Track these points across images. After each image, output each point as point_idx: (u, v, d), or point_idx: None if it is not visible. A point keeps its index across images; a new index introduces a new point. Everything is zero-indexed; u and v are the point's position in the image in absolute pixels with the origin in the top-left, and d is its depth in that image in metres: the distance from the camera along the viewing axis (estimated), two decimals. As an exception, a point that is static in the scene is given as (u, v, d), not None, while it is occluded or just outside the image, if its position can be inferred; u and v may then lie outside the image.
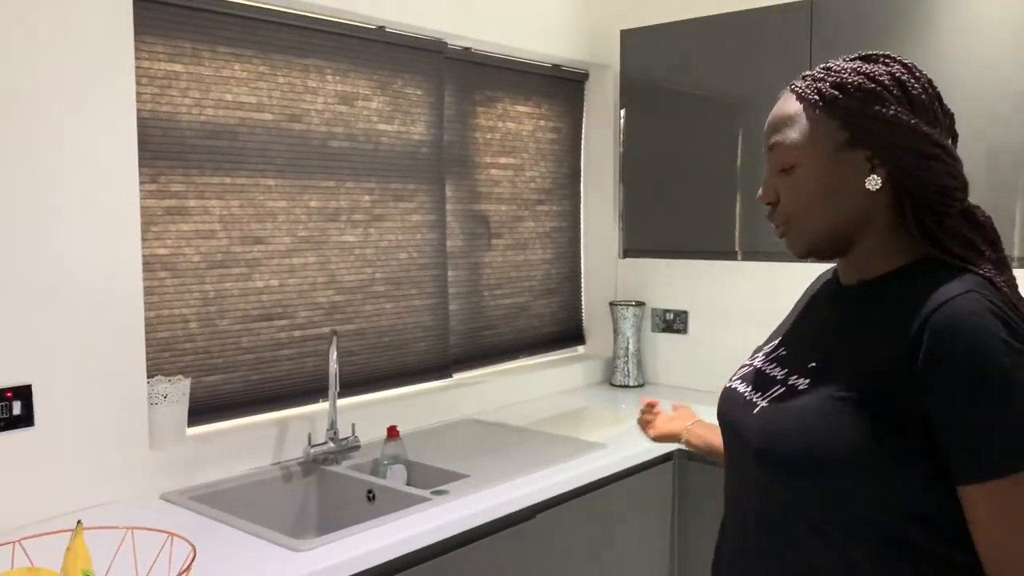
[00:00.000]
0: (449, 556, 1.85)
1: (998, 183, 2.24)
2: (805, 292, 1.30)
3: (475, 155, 2.93)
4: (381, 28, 2.55)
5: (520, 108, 3.09)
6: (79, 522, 1.31)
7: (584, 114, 3.37)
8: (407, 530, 1.77)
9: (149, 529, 1.29)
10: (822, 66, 1.10)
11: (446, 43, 2.75)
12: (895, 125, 1.02)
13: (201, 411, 2.17)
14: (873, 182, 1.04)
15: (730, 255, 2.77)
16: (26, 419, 1.80)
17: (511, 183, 3.08)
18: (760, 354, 1.22)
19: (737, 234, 2.76)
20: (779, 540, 1.07)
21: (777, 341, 1.21)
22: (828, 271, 1.25)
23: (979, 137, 2.24)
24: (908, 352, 0.96)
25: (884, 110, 1.02)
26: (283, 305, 2.37)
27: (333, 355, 2.16)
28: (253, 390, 2.30)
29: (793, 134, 1.06)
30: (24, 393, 1.80)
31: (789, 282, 2.95)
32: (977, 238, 1.05)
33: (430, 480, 2.17)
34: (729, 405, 1.19)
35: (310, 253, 2.43)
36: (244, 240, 2.27)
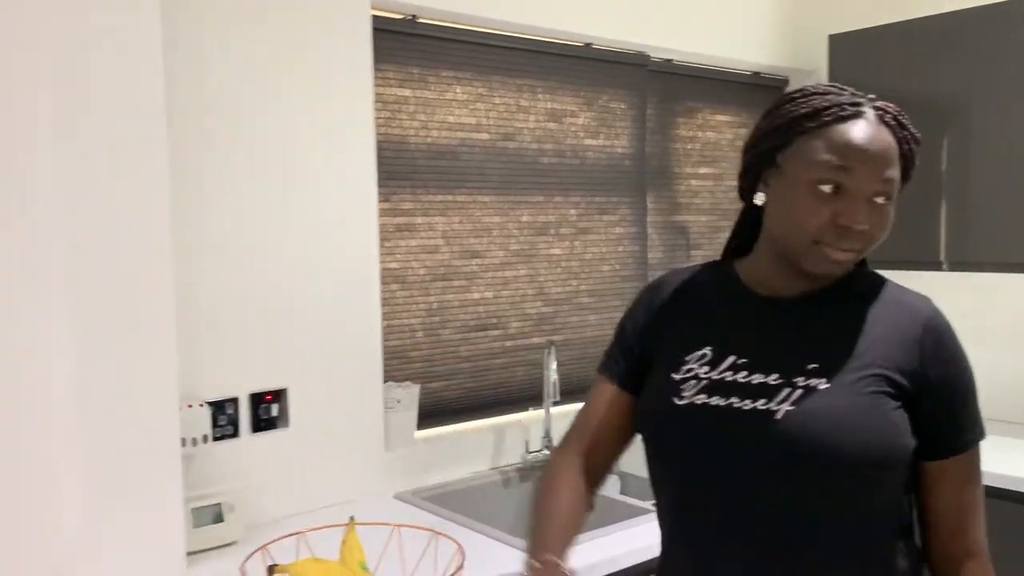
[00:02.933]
0: (673, 568, 1.86)
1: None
2: (668, 307, 1.24)
3: (675, 166, 2.94)
4: (588, 45, 2.61)
5: (720, 117, 3.07)
6: (351, 518, 1.43)
7: (783, 121, 3.29)
8: (628, 543, 1.80)
9: (416, 527, 1.38)
10: (896, 110, 1.15)
11: (649, 56, 2.78)
12: (908, 180, 1.17)
13: (426, 416, 2.30)
14: None
15: (934, 265, 2.63)
16: (282, 420, 1.97)
17: (710, 193, 3.06)
18: (698, 367, 1.16)
19: (943, 243, 2.63)
20: (803, 550, 1.08)
21: (710, 352, 1.16)
22: (676, 282, 1.26)
23: None
24: (915, 350, 1.10)
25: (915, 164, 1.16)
26: (497, 316, 2.46)
27: (552, 365, 2.23)
28: (470, 397, 2.41)
29: (896, 172, 1.11)
30: (280, 397, 1.97)
31: (999, 293, 2.78)
32: None
33: (646, 492, 2.19)
34: (713, 419, 1.11)
35: (521, 266, 2.51)
36: (463, 254, 2.39)
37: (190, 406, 1.78)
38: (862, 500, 1.08)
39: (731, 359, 1.14)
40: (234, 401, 1.89)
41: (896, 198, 1.12)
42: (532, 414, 2.45)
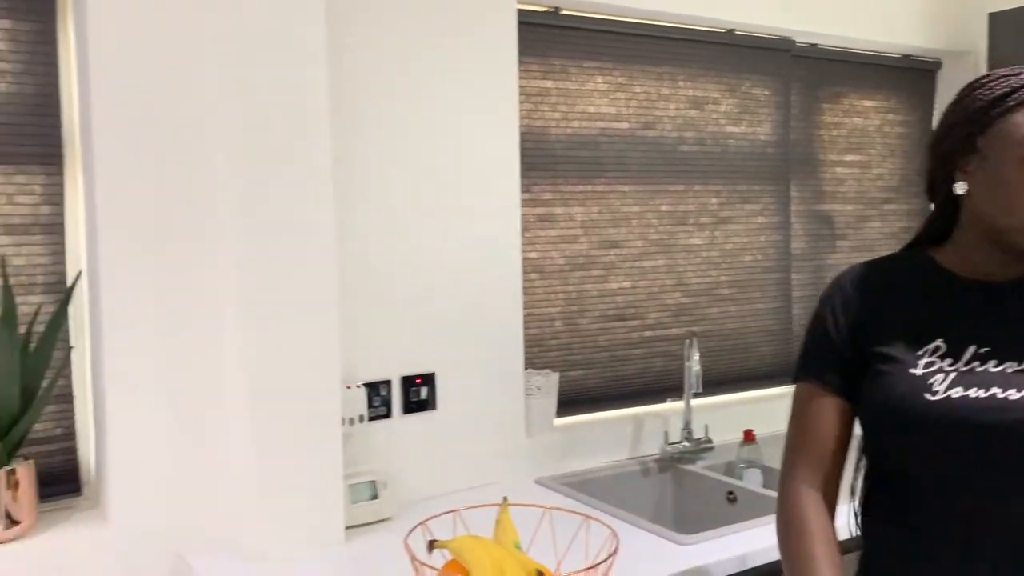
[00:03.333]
0: (822, 565, 1.82)
1: None
2: (881, 296, 1.21)
3: (819, 153, 2.84)
4: (731, 31, 2.56)
5: (867, 103, 2.95)
6: (505, 498, 1.46)
7: (935, 105, 3.13)
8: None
9: (568, 511, 1.41)
10: None
11: (794, 41, 2.70)
12: None
13: (564, 404, 2.32)
14: None
15: None
16: (430, 403, 2.04)
17: (856, 181, 2.94)
18: (937, 360, 1.14)
19: None
20: None
21: (942, 343, 1.15)
22: (874, 274, 1.23)
23: None
24: None
25: None
26: (635, 306, 2.46)
27: (694, 356, 2.21)
28: (608, 386, 2.42)
29: None
30: (429, 380, 2.03)
31: None
32: None
33: (789, 486, 2.14)
34: (972, 413, 1.09)
35: (660, 256, 2.50)
36: (602, 244, 2.39)
37: (348, 387, 1.86)
38: None
39: (971, 349, 1.14)
40: (387, 383, 1.97)
41: None
42: (671, 405, 2.43)
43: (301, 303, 1.67)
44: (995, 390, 1.09)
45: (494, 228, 2.10)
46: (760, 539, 1.74)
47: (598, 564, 1.25)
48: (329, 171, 1.69)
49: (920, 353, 1.15)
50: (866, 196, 2.97)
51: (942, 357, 1.14)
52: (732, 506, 2.10)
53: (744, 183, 2.64)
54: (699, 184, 2.55)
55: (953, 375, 1.12)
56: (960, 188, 1.16)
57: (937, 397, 1.11)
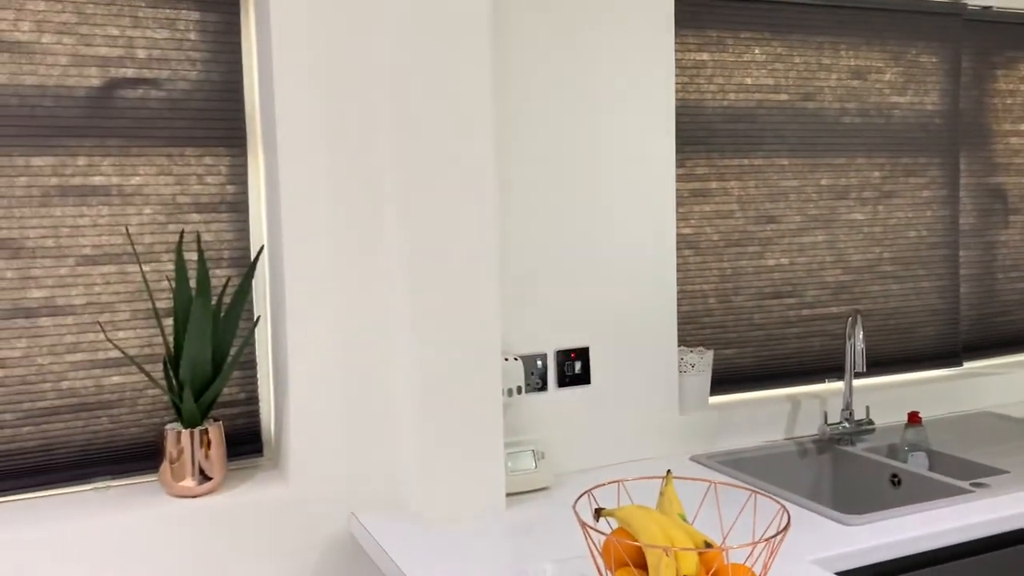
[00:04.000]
0: (993, 555, 1.73)
1: None
2: None
3: (992, 123, 2.67)
4: (897, -4, 2.44)
5: (1047, 67, 2.75)
6: (668, 471, 1.47)
7: None
8: (951, 520, 1.69)
9: (734, 485, 1.40)
10: None
11: (965, 5, 2.54)
12: None
13: (718, 382, 2.29)
14: None
15: None
16: (584, 377, 2.06)
17: (1034, 153, 2.75)
18: None
19: None
20: None
21: None
22: None
23: None
24: None
25: None
26: (792, 283, 2.39)
27: (858, 334, 2.14)
28: (764, 365, 2.37)
29: None
30: (583, 355, 2.05)
31: None
32: None
33: (958, 471, 2.05)
34: None
35: (819, 231, 2.42)
36: (758, 219, 2.34)
37: (507, 359, 1.91)
38: None
39: None
40: (543, 357, 2.00)
41: None
42: (830, 386, 2.36)
43: (465, 280, 1.72)
44: None
45: (649, 202, 2.09)
46: (930, 523, 1.68)
47: (770, 538, 1.24)
48: (491, 158, 1.73)
49: None
50: (1045, 168, 2.77)
51: None
52: (896, 489, 2.02)
53: (909, 155, 2.51)
54: (861, 157, 2.45)
55: None
56: None
57: None
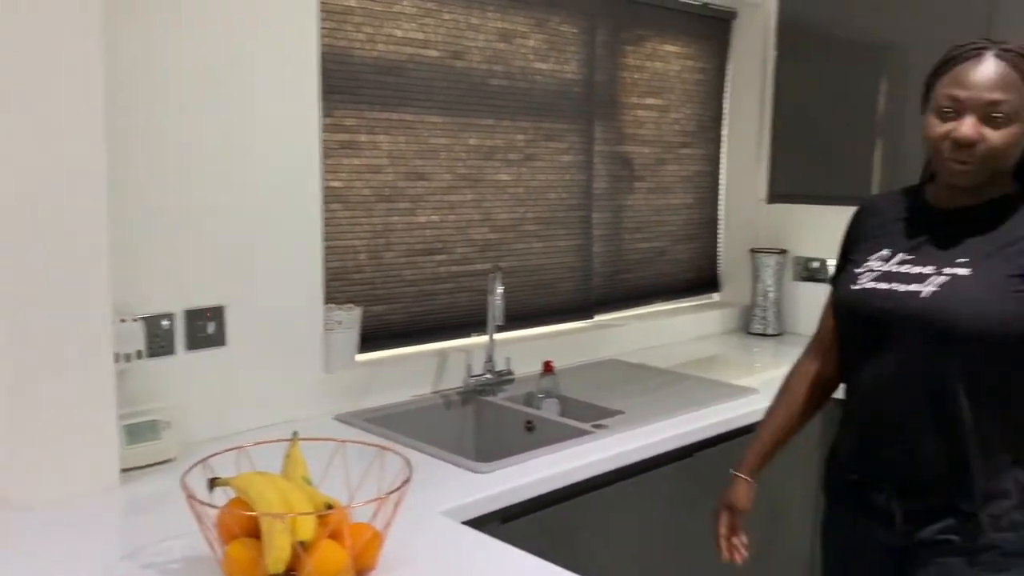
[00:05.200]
0: (612, 488, 1.90)
1: None
2: (869, 221, 1.58)
3: (622, 95, 2.91)
4: (540, -35, 2.54)
5: (668, 48, 3.04)
6: (295, 433, 1.40)
7: (730, 54, 3.29)
8: (575, 460, 1.82)
9: (362, 443, 1.36)
10: (1019, 47, 1.37)
11: (601, -20, 2.72)
12: None
13: (367, 339, 2.26)
14: None
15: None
16: (218, 338, 1.92)
17: (655, 125, 3.04)
18: (875, 262, 1.50)
19: (876, 182, 2.69)
20: (940, 399, 1.39)
21: (887, 252, 1.50)
22: (877, 203, 1.60)
23: None
24: None
25: None
26: (442, 240, 2.43)
27: (498, 290, 2.21)
28: (413, 321, 2.38)
29: (1014, 98, 1.34)
30: (218, 314, 1.91)
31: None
32: None
33: (584, 415, 2.21)
34: (874, 299, 1.46)
35: (468, 191, 2.47)
36: (409, 176, 2.33)
37: (124, 320, 1.71)
38: (994, 368, 1.38)
39: (900, 256, 1.48)
40: (170, 317, 1.83)
41: (1021, 122, 1.35)
42: (475, 340, 2.44)
43: (63, 226, 1.50)
44: (895, 284, 1.44)
45: (289, 153, 1.98)
46: (557, 464, 1.79)
47: (390, 493, 1.23)
48: (100, 90, 1.52)
49: (869, 257, 1.52)
50: (663, 139, 3.08)
51: (879, 261, 1.50)
52: (530, 435, 2.14)
53: (550, 121, 2.65)
54: (507, 120, 2.54)
55: (876, 273, 1.49)
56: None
57: (856, 287, 1.50)
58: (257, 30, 1.90)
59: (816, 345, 1.67)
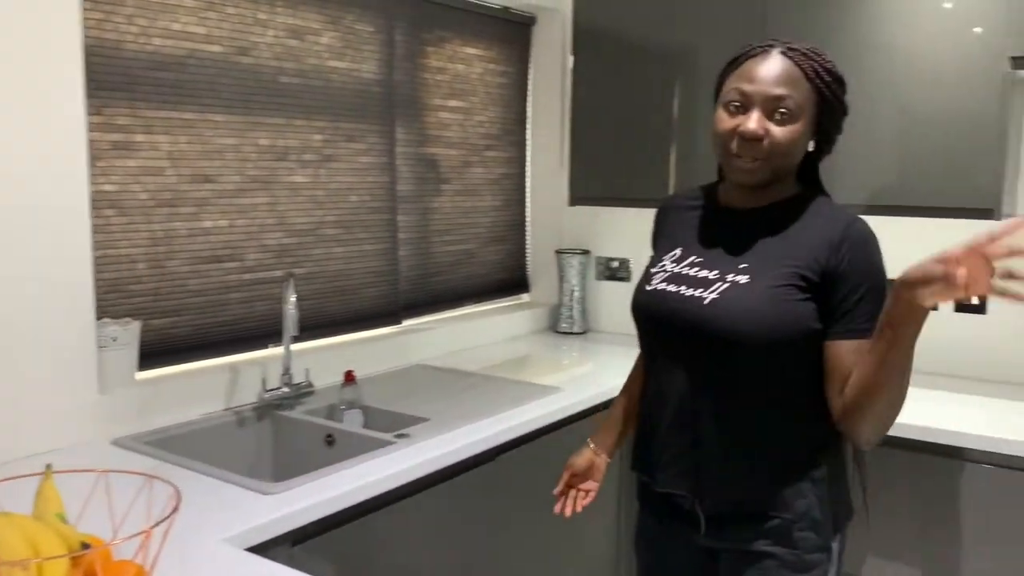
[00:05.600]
0: (414, 499, 1.85)
1: (931, 141, 2.32)
2: (668, 219, 1.62)
3: (425, 96, 2.87)
4: (333, -40, 2.45)
5: (469, 50, 3.04)
6: (48, 466, 1.25)
7: (531, 58, 3.33)
8: (375, 472, 1.76)
9: (125, 472, 1.24)
10: (807, 47, 1.40)
11: (398, -21, 2.67)
12: (842, 111, 1.44)
13: (150, 355, 2.10)
14: (811, 146, 1.45)
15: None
16: (-32, 362, 1.70)
17: (460, 127, 3.03)
18: (669, 262, 1.52)
19: (671, 182, 2.81)
20: (725, 403, 1.42)
21: (679, 252, 1.52)
22: (676, 201, 1.63)
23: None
24: (831, 251, 1.38)
25: (843, 98, 1.43)
26: (232, 247, 2.29)
27: (291, 298, 2.11)
28: (203, 334, 2.23)
29: (798, 95, 1.37)
30: (-35, 334, 1.69)
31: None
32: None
33: (389, 424, 2.15)
34: (663, 301, 1.48)
35: (260, 193, 2.35)
36: (193, 178, 2.18)
37: None
38: (776, 372, 1.40)
39: (691, 258, 1.50)
40: (-99, 340, 1.60)
41: (805, 120, 1.38)
42: (270, 352, 2.32)
43: None
44: (682, 287, 1.46)
45: (48, 154, 1.79)
46: (356, 478, 1.72)
47: (156, 525, 1.12)
48: None
49: (664, 257, 1.54)
50: (468, 142, 3.07)
51: (672, 261, 1.51)
52: (331, 449, 2.05)
53: (349, 121, 2.57)
54: (301, 119, 2.43)
55: (668, 274, 1.50)
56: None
57: (650, 287, 1.51)
58: (10, 21, 1.70)
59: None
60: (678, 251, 1.52)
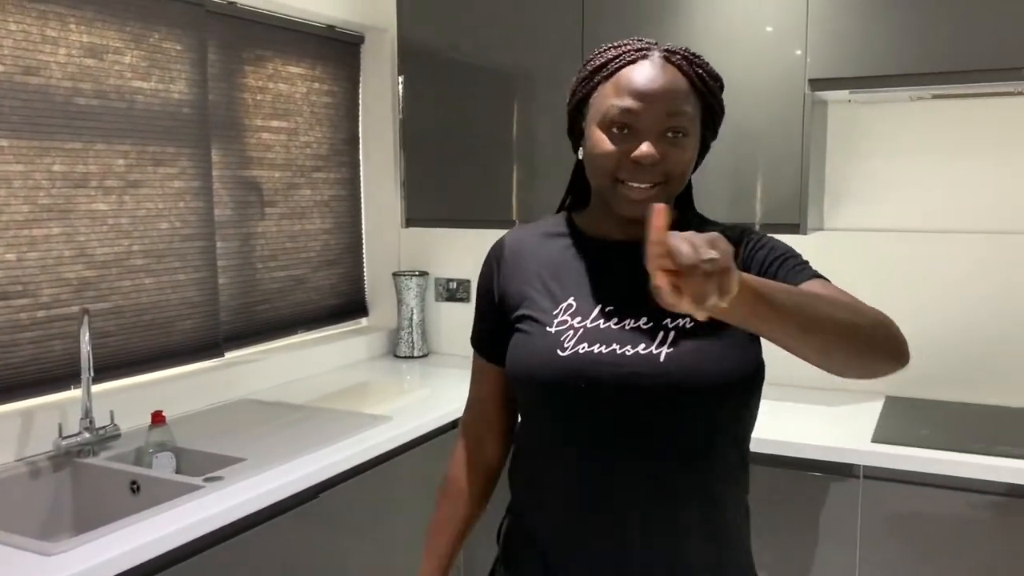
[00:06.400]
0: (226, 545, 1.74)
1: (743, 159, 2.42)
2: (523, 261, 1.30)
3: (244, 117, 2.75)
4: (133, -26, 2.31)
5: (292, 69, 2.94)
6: None
7: (361, 78, 3.26)
8: (178, 521, 1.64)
9: None
10: (683, 49, 1.20)
11: (208, -5, 2.55)
12: (722, 116, 1.25)
13: (-78, 406, 1.89)
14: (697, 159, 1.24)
15: (508, 224, 2.80)
16: None
17: (285, 148, 2.92)
18: (569, 318, 1.21)
19: (515, 202, 2.80)
20: (690, 478, 1.18)
21: (573, 302, 1.22)
22: (524, 239, 1.32)
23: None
24: (742, 264, 1.19)
25: (722, 101, 1.24)
26: (23, 282, 2.10)
27: (85, 336, 1.95)
28: (-11, 379, 2.03)
29: (688, 107, 1.17)
30: None
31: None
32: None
33: (202, 467, 2.03)
34: (597, 366, 1.16)
35: (54, 223, 2.17)
36: (-29, 209, 1.99)
37: None
38: (732, 420, 1.20)
39: (598, 307, 1.21)
40: None
41: (696, 134, 1.19)
42: (70, 394, 2.14)
43: None
44: (615, 346, 1.17)
45: None
46: (157, 528, 1.59)
47: None
48: None
49: (555, 312, 1.22)
50: (295, 163, 2.97)
51: (573, 315, 1.21)
52: (136, 497, 1.91)
53: (157, 144, 2.42)
54: (101, 143, 2.27)
55: (581, 331, 1.19)
56: (581, 152, 1.25)
57: (566, 353, 1.18)
58: None
59: (476, 425, 1.38)
60: (571, 301, 1.22)
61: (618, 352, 1.16)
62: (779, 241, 1.24)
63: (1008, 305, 2.52)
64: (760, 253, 1.21)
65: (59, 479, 2.00)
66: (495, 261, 1.33)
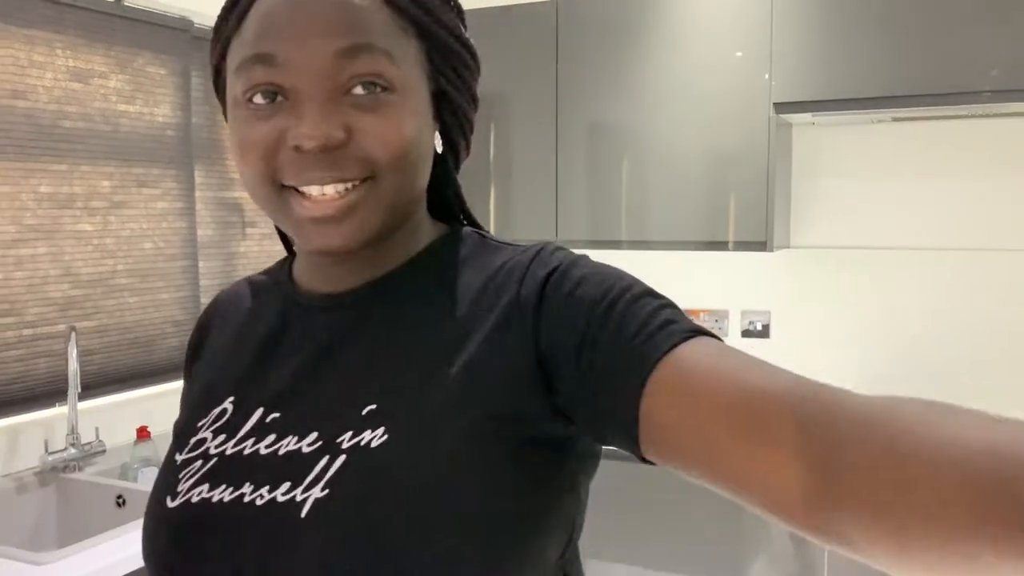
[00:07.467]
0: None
1: (712, 179, 2.52)
2: (219, 332, 0.81)
3: (226, 140, 2.81)
4: (119, 2, 2.38)
5: (274, 93, 3.00)
6: None
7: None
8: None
9: None
10: None
11: (192, 22, 2.61)
12: (476, 67, 0.75)
13: (-90, 423, 1.92)
14: (438, 143, 0.74)
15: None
16: None
17: (266, 170, 2.98)
18: (209, 436, 0.72)
19: (492, 222, 2.88)
20: None
21: (230, 405, 0.73)
22: (233, 295, 0.83)
23: (696, 138, 2.51)
24: (531, 324, 0.66)
25: (468, 39, 0.73)
26: (10, 301, 2.14)
27: (73, 353, 2.00)
28: (-25, 396, 2.07)
29: (384, 40, 0.65)
30: None
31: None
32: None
33: None
34: (204, 529, 0.66)
35: (40, 243, 2.21)
36: (-41, 229, 2.03)
37: None
38: None
39: (258, 414, 0.70)
40: None
41: (416, 88, 0.68)
42: (56, 411, 2.17)
43: None
44: (246, 488, 0.66)
45: None
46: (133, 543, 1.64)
47: None
48: None
49: (201, 424, 0.73)
50: (276, 184, 3.02)
51: (218, 431, 0.72)
52: (122, 510, 1.95)
53: (141, 166, 2.48)
54: (87, 164, 2.32)
55: (212, 463, 0.69)
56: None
57: (175, 503, 0.68)
58: None
59: None
60: (228, 405, 0.73)
61: (245, 501, 0.66)
62: (594, 266, 0.67)
63: (970, 320, 2.63)
64: (571, 301, 0.64)
65: (45, 494, 2.03)
66: (199, 331, 0.84)
